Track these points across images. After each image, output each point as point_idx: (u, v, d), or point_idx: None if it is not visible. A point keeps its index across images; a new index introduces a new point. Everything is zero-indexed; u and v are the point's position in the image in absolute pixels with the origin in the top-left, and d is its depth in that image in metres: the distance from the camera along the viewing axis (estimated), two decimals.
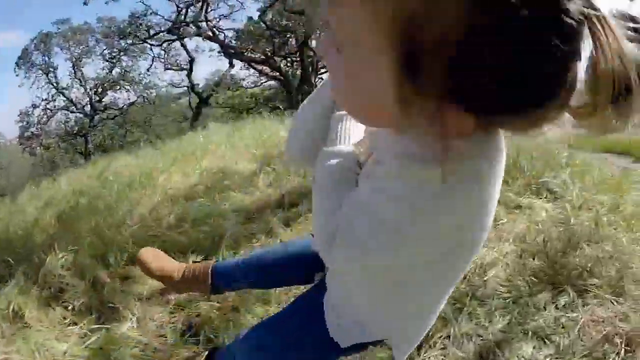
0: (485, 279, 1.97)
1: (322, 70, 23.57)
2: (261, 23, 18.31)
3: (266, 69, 19.17)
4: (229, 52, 17.58)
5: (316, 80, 20.37)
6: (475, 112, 0.43)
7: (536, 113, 0.42)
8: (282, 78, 18.82)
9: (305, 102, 0.76)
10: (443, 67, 0.38)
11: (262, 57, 18.62)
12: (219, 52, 18.99)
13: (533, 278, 1.95)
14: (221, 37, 18.86)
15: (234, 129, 6.56)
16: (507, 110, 0.42)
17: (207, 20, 17.92)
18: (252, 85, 23.66)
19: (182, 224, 2.76)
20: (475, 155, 0.47)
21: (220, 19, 19.01)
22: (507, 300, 1.85)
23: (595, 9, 0.37)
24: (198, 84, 22.73)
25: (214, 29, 18.49)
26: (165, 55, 20.31)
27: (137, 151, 6.52)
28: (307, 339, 0.85)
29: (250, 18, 18.74)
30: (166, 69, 21.04)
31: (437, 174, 0.43)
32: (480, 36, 0.36)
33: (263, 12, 17.79)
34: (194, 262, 2.05)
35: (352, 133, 0.65)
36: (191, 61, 20.15)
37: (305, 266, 1.01)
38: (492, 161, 0.49)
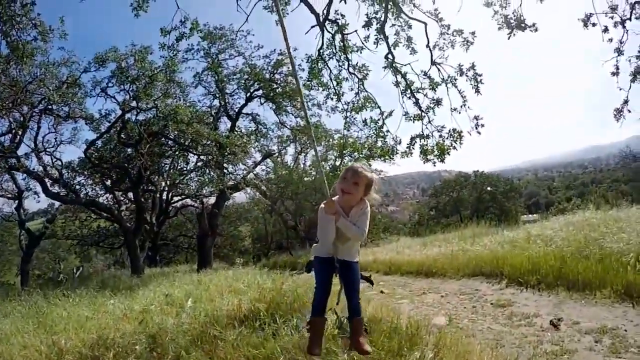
0: None
1: (176, 199, 22.77)
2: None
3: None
4: (50, 193, 15.77)
5: (156, 217, 19.33)
6: (364, 194, 3.04)
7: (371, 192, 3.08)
8: (112, 219, 17.36)
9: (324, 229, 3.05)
10: (368, 188, 3.02)
11: (91, 197, 17.10)
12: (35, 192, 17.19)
13: None
14: (58, 164, 17.17)
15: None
16: (369, 192, 3.05)
17: (36, 151, 16.04)
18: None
19: None
20: (365, 199, 3.07)
21: (58, 145, 17.33)
22: None
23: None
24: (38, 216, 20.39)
25: (51, 157, 16.87)
26: None
27: None
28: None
29: (92, 143, 17.15)
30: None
31: (367, 205, 3.05)
32: (370, 186, 3.02)
33: (89, 145, 16.62)
34: None
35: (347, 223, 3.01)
36: (20, 193, 17.73)
37: (331, 270, 3.08)
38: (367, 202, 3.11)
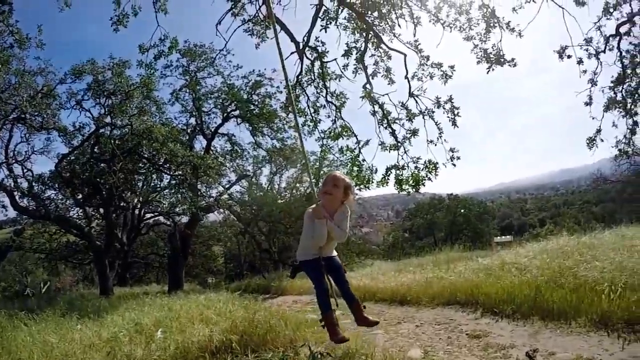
0: None
1: (148, 216, 22.27)
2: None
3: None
4: (19, 207, 15.25)
5: (127, 235, 18.75)
6: (344, 200, 3.68)
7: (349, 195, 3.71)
8: (80, 235, 16.85)
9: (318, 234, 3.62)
10: (346, 192, 3.66)
11: (61, 212, 16.54)
12: (3, 206, 16.61)
13: None
14: (29, 175, 16.55)
15: None
16: (347, 196, 3.71)
17: (6, 162, 15.49)
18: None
19: None
20: (345, 204, 3.71)
21: (29, 156, 16.81)
22: None
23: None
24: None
25: (22, 167, 16.38)
26: None
27: None
28: None
29: (64, 157, 16.66)
30: None
31: (347, 209, 3.68)
32: (348, 189, 3.67)
33: (61, 159, 16.17)
34: None
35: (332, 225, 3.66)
36: None
37: (320, 267, 3.66)
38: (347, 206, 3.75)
